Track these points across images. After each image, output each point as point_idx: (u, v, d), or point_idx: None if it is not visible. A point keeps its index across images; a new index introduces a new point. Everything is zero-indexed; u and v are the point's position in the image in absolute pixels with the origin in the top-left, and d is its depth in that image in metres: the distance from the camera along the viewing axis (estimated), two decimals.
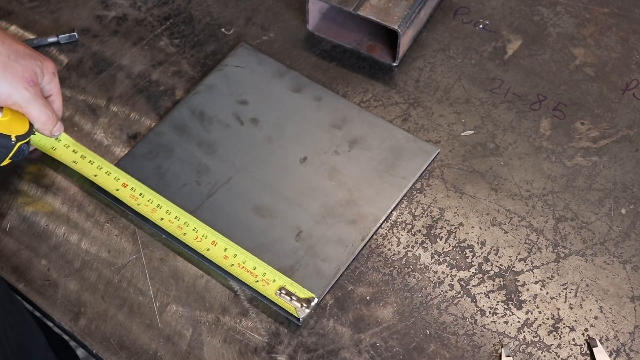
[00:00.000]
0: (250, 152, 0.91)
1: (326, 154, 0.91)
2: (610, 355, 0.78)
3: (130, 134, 0.94)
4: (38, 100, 0.84)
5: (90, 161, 0.89)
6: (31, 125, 0.86)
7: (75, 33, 1.02)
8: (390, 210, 0.87)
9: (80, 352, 1.29)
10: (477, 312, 0.81)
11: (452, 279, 0.83)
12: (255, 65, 0.98)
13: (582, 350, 0.78)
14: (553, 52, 1.00)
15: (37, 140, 0.90)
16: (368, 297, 0.82)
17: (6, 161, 0.85)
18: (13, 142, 0.84)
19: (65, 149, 0.90)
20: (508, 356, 0.77)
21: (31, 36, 1.03)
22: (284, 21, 1.04)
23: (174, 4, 1.06)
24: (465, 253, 0.85)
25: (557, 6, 1.04)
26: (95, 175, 0.88)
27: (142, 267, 0.84)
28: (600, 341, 0.78)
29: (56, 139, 0.90)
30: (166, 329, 0.80)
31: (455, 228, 0.86)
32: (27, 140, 0.86)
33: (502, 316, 0.81)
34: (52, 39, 1.02)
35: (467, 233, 0.86)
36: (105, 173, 0.88)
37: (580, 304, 0.81)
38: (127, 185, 0.87)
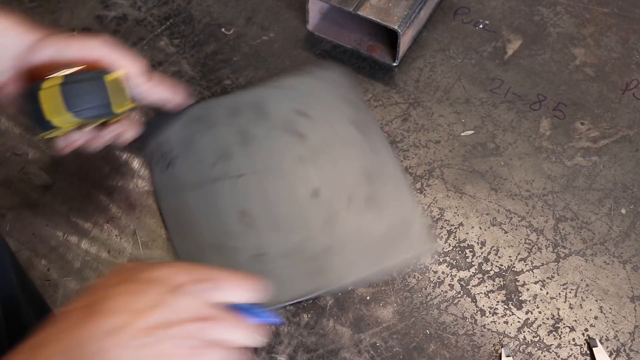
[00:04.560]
0: (279, 161, 0.90)
1: (340, 200, 0.87)
2: (610, 355, 0.78)
3: None
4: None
5: None
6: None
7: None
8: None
9: None
10: (477, 312, 0.81)
11: (452, 279, 0.83)
12: (337, 88, 0.96)
13: (582, 350, 0.78)
14: (553, 52, 1.00)
15: None
16: (368, 297, 0.82)
17: (122, 108, 0.77)
18: (105, 81, 0.75)
19: None
20: (508, 356, 0.77)
21: None
22: (284, 21, 1.04)
23: (174, 4, 1.06)
24: (465, 253, 0.85)
25: (557, 6, 1.04)
26: None
27: None
28: (600, 341, 0.78)
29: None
30: None
31: (455, 228, 0.86)
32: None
33: (502, 316, 0.81)
34: None
35: (467, 233, 0.86)
36: None
37: (580, 304, 0.81)
38: None
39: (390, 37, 1.00)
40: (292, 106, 0.94)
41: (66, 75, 0.74)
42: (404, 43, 0.97)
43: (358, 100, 0.95)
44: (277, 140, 0.91)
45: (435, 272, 0.83)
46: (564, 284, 0.82)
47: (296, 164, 0.89)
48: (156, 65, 1.00)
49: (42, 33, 0.77)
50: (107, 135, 0.81)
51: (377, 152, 0.91)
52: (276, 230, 0.85)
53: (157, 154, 0.92)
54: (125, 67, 0.78)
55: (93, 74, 0.75)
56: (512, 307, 0.81)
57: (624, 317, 0.80)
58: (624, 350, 0.78)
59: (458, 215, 0.87)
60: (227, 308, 0.63)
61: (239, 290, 0.64)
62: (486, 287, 0.82)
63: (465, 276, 0.83)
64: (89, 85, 0.74)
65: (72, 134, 0.78)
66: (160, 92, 0.82)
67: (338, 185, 0.88)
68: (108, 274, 0.63)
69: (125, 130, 0.82)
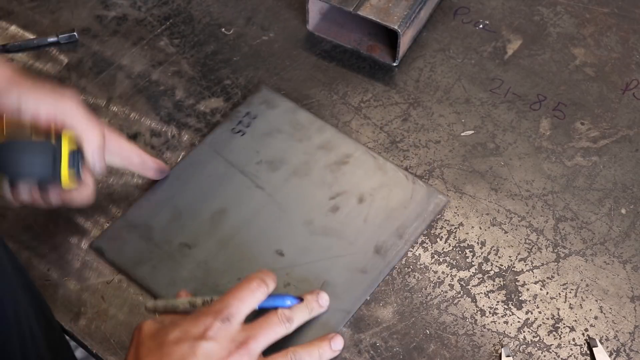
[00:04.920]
0: (294, 207, 0.87)
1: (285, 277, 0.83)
2: (610, 355, 0.78)
3: (130, 134, 0.94)
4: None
5: None
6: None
7: (75, 33, 1.02)
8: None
9: (80, 352, 1.29)
10: (477, 312, 0.81)
11: (452, 279, 0.83)
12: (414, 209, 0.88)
13: (582, 350, 0.78)
14: (553, 52, 1.00)
15: None
16: (368, 297, 0.82)
17: (67, 177, 0.76)
18: (54, 145, 0.74)
19: None
20: (508, 356, 0.77)
21: (31, 36, 1.03)
22: (284, 21, 1.04)
23: (174, 4, 1.06)
24: (465, 253, 0.85)
25: (557, 6, 1.04)
26: None
27: None
28: (600, 341, 0.78)
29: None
30: None
31: (455, 228, 0.86)
32: (72, 145, 0.75)
33: (502, 316, 0.81)
34: (52, 39, 1.02)
35: (467, 233, 0.86)
36: None
37: (580, 304, 0.81)
38: None
39: (390, 37, 1.00)
40: (360, 184, 0.88)
41: (9, 137, 0.72)
42: (404, 43, 0.97)
43: (411, 235, 0.85)
44: (316, 196, 0.87)
45: (435, 272, 0.83)
46: (564, 284, 0.82)
47: (300, 224, 0.85)
48: (156, 65, 1.00)
49: (11, 79, 0.74)
50: (52, 198, 0.78)
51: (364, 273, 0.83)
52: (223, 246, 0.84)
53: (241, 117, 0.93)
54: (84, 138, 0.76)
55: (42, 143, 0.73)
56: (512, 307, 0.81)
57: (624, 317, 0.80)
58: (624, 350, 0.78)
59: (458, 215, 0.87)
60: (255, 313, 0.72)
61: (254, 295, 0.72)
62: (486, 287, 0.82)
63: (465, 276, 0.83)
64: (32, 150, 0.73)
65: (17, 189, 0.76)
66: (129, 160, 0.83)
67: (301, 266, 0.83)
68: (132, 347, 0.70)
69: (75, 195, 0.79)
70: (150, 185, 0.89)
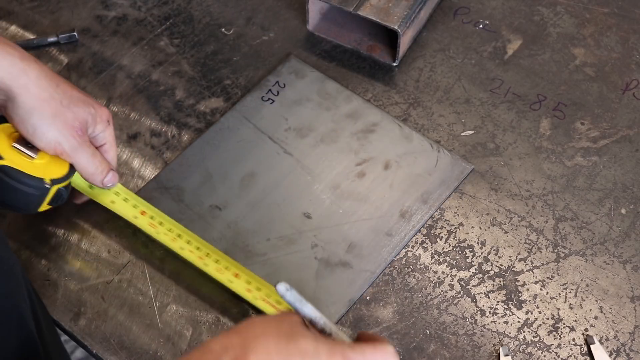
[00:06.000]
0: (320, 173, 0.90)
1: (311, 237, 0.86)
2: (610, 355, 0.78)
3: (131, 134, 0.94)
4: (86, 149, 0.79)
5: (125, 199, 0.85)
6: (71, 167, 0.80)
7: (75, 33, 1.02)
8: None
9: (80, 352, 1.29)
10: (477, 312, 0.81)
11: (452, 279, 0.83)
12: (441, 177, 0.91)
13: (582, 350, 0.78)
14: (553, 52, 1.00)
15: (95, 194, 0.84)
16: (368, 297, 0.82)
17: (44, 206, 0.80)
18: (48, 186, 0.78)
19: (124, 202, 0.85)
20: (507, 355, 0.77)
21: (31, 36, 1.03)
22: (284, 21, 1.04)
23: (174, 4, 1.06)
24: (465, 253, 0.85)
25: (557, 6, 1.04)
26: (112, 202, 0.85)
27: (142, 267, 0.84)
28: (600, 341, 0.78)
29: (115, 192, 0.85)
30: (166, 329, 0.80)
31: (455, 228, 0.86)
32: (65, 183, 0.80)
33: (502, 316, 0.81)
34: (52, 39, 1.02)
35: (467, 233, 0.86)
36: (123, 200, 0.85)
37: (580, 304, 0.81)
38: (145, 214, 0.84)
39: (390, 37, 1.00)
40: (386, 151, 0.91)
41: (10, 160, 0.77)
42: (404, 43, 0.97)
43: (435, 200, 0.87)
44: (343, 163, 0.90)
45: (435, 272, 0.83)
46: (564, 284, 0.82)
47: (327, 188, 0.88)
48: (156, 65, 1.00)
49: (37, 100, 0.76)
50: None
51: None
52: (252, 208, 0.87)
53: (270, 86, 0.96)
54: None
55: (34, 179, 0.78)
56: (512, 307, 0.81)
57: (624, 317, 0.80)
58: (624, 350, 0.78)
59: (458, 215, 0.87)
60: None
61: None
62: (486, 287, 0.82)
63: (465, 276, 0.83)
64: (22, 182, 0.77)
65: None
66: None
67: (328, 228, 0.86)
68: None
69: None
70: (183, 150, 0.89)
